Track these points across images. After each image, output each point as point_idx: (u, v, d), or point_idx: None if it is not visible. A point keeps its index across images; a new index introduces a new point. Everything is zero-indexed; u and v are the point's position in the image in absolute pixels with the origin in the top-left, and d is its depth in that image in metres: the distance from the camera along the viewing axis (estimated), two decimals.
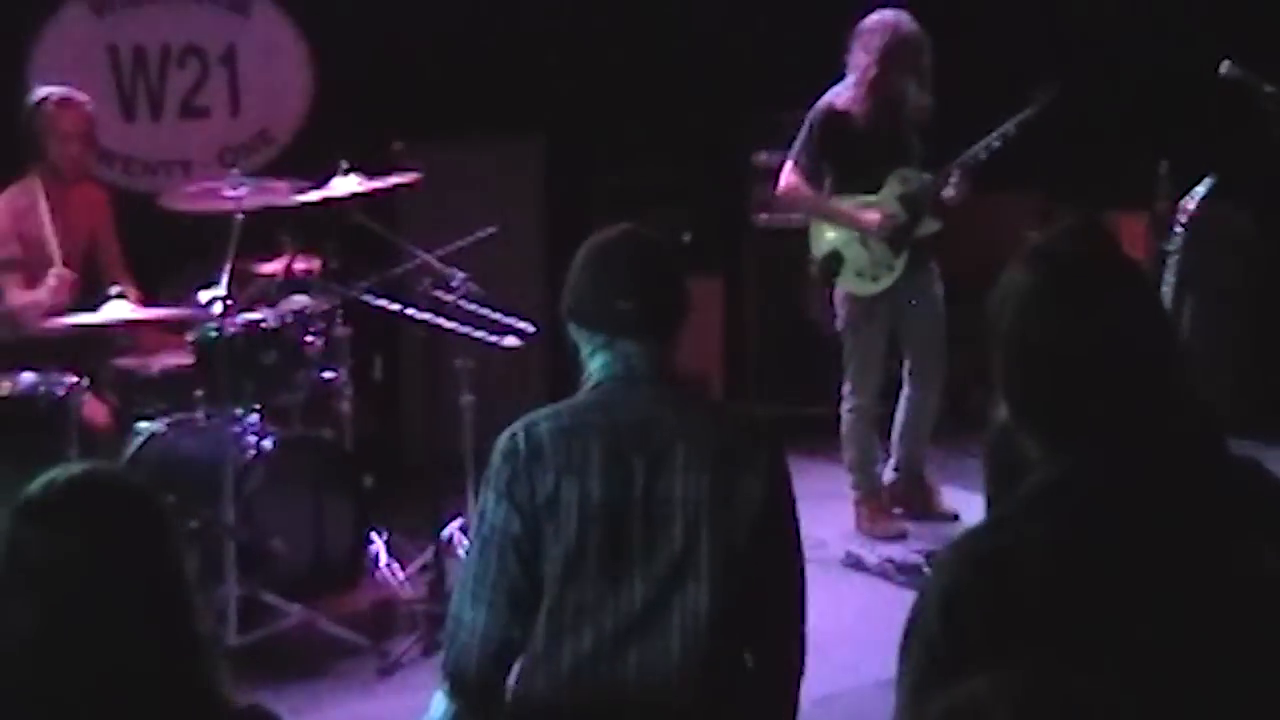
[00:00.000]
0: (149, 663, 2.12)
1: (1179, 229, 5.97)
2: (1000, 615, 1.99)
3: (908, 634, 2.06)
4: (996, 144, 6.28)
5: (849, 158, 6.31)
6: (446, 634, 3.20)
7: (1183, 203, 5.98)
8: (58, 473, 2.21)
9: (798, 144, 6.34)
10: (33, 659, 2.09)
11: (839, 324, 6.51)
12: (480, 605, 3.08)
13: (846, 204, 6.37)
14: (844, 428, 6.57)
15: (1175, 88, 7.26)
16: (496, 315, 5.70)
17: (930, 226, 6.39)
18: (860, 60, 6.20)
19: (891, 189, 6.34)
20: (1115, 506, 2.04)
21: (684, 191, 7.74)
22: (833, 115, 6.28)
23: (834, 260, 6.39)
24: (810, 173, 6.33)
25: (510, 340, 5.64)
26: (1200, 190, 5.95)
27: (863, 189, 6.35)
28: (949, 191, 6.31)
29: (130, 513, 2.20)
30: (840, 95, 6.29)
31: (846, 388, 6.53)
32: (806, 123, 6.32)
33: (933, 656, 2.01)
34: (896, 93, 6.22)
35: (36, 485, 2.18)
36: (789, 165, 6.37)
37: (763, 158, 7.78)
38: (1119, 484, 2.05)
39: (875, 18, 6.22)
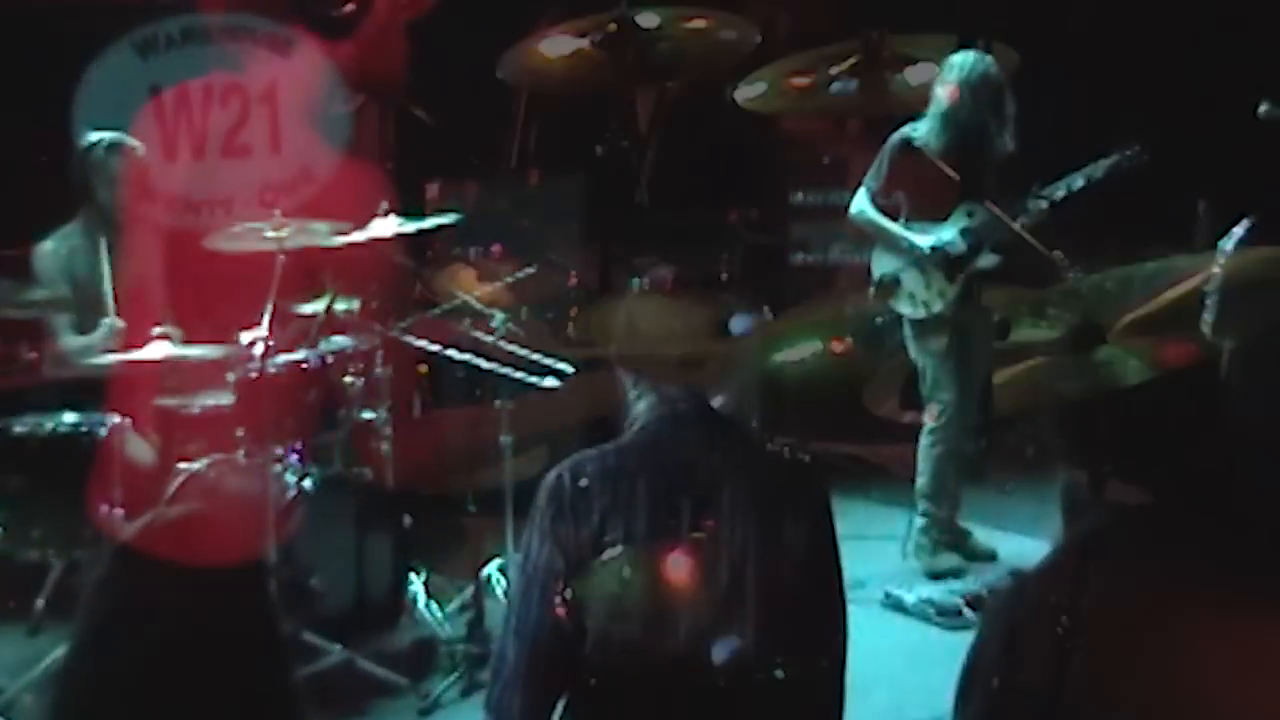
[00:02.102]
0: (247, 700, 2.13)
1: (1217, 270, 5.94)
2: (1060, 659, 1.99)
3: (965, 678, 2.06)
4: (1063, 192, 6.33)
5: (920, 188, 6.43)
6: (490, 671, 3.21)
7: (1221, 244, 5.96)
8: (154, 515, 2.24)
9: (871, 170, 6.48)
10: (133, 701, 2.10)
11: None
12: (524, 643, 3.07)
13: (906, 231, 6.46)
14: (919, 451, 6.61)
15: (1213, 127, 7.25)
16: (536, 355, 5.71)
17: (989, 261, 6.43)
18: (939, 95, 6.30)
19: (956, 220, 6.43)
20: (1167, 549, 2.04)
21: (723, 231, 7.76)
22: (906, 146, 6.41)
23: (891, 282, 6.46)
24: (879, 198, 6.45)
25: (550, 381, 5.64)
26: (1239, 231, 5.93)
27: (931, 219, 6.45)
28: (1023, 219, 6.34)
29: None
30: (917, 127, 6.39)
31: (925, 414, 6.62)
32: (882, 151, 6.44)
33: (993, 702, 2.01)
34: (972, 128, 6.29)
35: (134, 527, 2.21)
36: (861, 190, 6.50)
37: (801, 198, 7.82)
38: (1170, 527, 2.05)
39: (958, 56, 6.32)
